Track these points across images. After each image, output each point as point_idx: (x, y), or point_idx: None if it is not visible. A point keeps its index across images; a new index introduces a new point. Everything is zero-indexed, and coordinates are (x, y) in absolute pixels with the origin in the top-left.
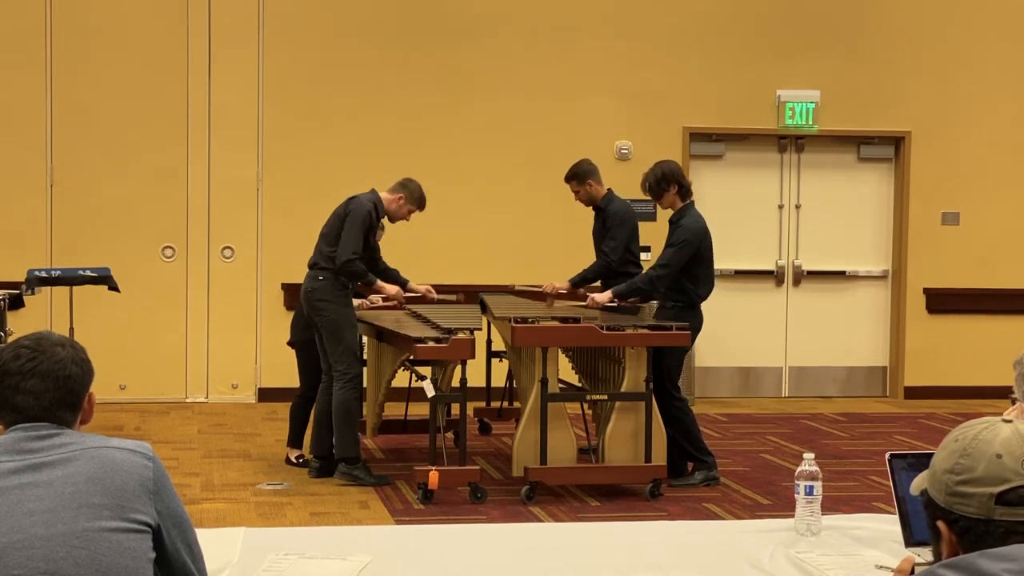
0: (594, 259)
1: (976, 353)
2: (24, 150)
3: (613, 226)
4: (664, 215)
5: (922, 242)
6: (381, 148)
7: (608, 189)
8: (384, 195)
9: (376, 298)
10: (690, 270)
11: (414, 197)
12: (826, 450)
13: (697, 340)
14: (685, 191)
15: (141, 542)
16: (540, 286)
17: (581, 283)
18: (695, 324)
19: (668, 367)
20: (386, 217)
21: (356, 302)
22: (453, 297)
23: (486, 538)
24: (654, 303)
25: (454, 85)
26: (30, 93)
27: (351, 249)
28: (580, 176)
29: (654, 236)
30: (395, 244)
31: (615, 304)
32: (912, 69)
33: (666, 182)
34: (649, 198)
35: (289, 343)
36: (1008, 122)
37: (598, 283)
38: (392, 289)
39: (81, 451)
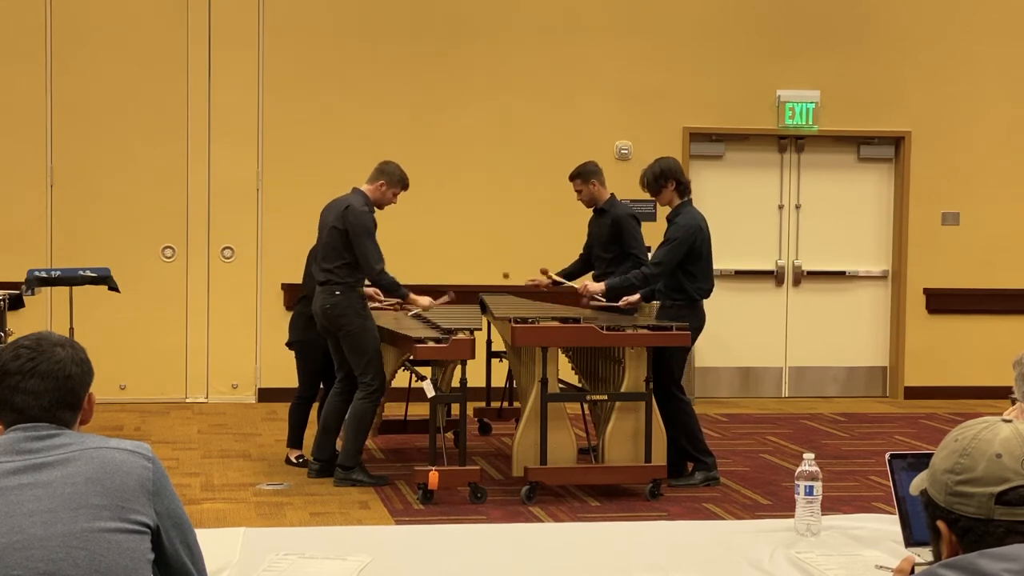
0: (575, 260)
1: (976, 353)
2: (24, 150)
3: (625, 230)
4: (663, 213)
5: (922, 242)
6: (381, 148)
7: (611, 193)
8: (365, 187)
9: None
10: (686, 267)
11: (395, 179)
12: (826, 450)
13: (698, 340)
14: (683, 188)
15: (140, 543)
16: (533, 281)
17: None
18: (696, 323)
19: (670, 367)
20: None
21: None
22: (446, 297)
23: (486, 538)
24: (655, 303)
25: (454, 85)
26: (30, 93)
27: (376, 260)
28: (585, 175)
29: (653, 235)
30: (394, 243)
31: (607, 304)
32: (912, 69)
33: (664, 178)
34: (648, 196)
35: (288, 344)
36: (1008, 122)
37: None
38: (425, 300)
39: (81, 452)
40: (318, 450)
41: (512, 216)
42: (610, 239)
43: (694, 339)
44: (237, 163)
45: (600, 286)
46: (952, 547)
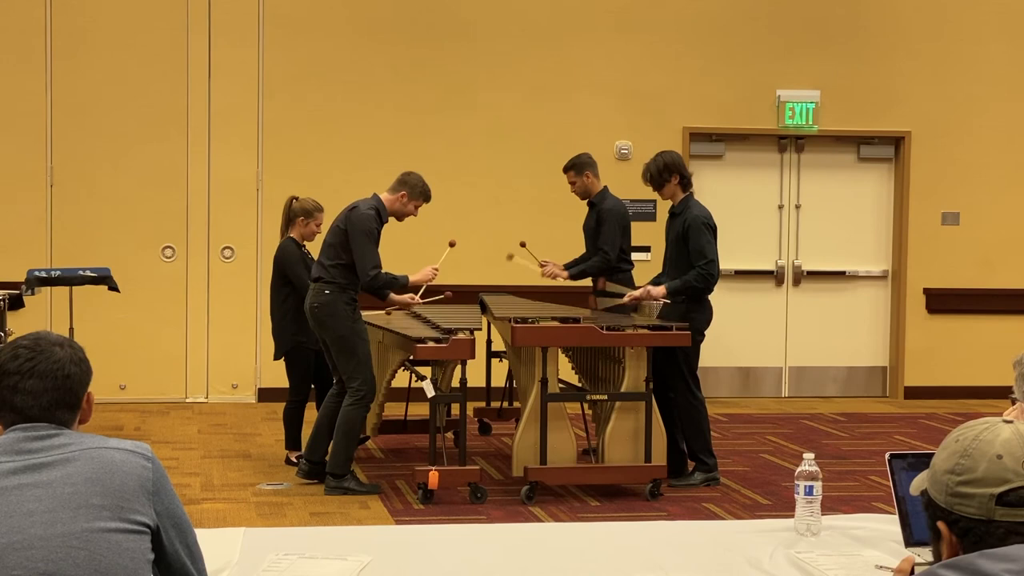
0: (583, 252)
1: (976, 353)
2: (24, 150)
3: (606, 222)
4: (663, 214)
5: (922, 242)
6: (381, 148)
7: (604, 186)
8: (385, 196)
9: None
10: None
11: (417, 191)
12: (826, 450)
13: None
14: (686, 182)
15: (140, 543)
16: (544, 265)
17: (579, 276)
18: (705, 316)
19: (679, 365)
20: (392, 218)
21: None
22: (441, 295)
23: (486, 538)
24: (655, 304)
25: (454, 85)
26: (30, 92)
27: (369, 264)
28: (579, 167)
29: (654, 235)
30: (394, 243)
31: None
32: (912, 69)
33: (668, 172)
34: (651, 191)
35: (276, 359)
36: (1008, 122)
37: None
38: (404, 298)
39: (80, 452)
40: (310, 451)
41: (512, 216)
42: (598, 232)
43: (704, 330)
44: (237, 163)
45: (661, 290)
46: (952, 547)
